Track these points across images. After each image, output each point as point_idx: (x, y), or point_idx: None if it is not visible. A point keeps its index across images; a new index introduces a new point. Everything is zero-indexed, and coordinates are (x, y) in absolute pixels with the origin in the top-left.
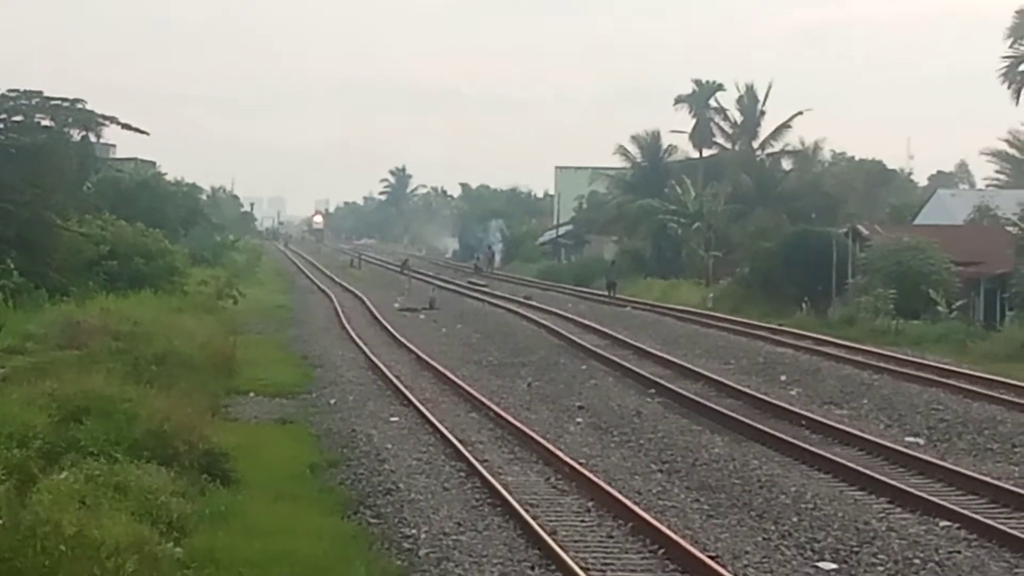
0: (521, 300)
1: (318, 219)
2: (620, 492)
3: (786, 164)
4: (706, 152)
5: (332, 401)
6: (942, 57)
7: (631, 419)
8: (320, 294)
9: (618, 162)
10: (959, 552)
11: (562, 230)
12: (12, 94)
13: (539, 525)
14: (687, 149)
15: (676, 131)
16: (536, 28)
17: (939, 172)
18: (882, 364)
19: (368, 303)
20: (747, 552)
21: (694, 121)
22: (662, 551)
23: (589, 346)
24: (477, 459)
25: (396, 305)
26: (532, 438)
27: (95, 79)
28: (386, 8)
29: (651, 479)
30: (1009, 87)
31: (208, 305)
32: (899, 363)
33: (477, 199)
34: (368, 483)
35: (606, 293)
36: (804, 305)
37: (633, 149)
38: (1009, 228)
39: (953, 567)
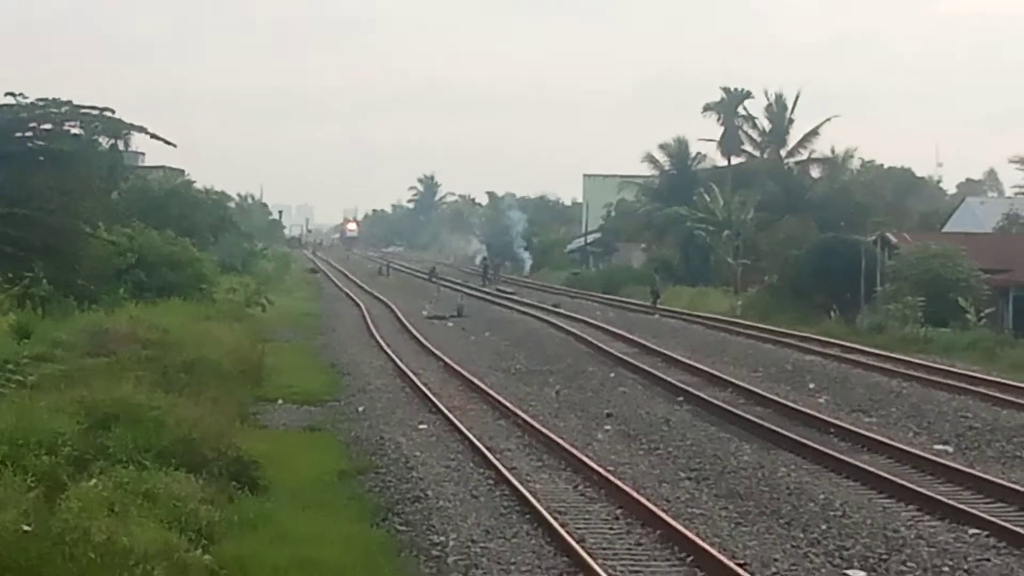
0: (549, 308)
1: (352, 226)
2: (648, 499)
3: (815, 172)
4: (734, 160)
5: (360, 408)
6: (971, 63)
7: (659, 426)
8: (348, 302)
9: (646, 170)
10: (988, 560)
11: (590, 238)
12: (41, 102)
13: (567, 532)
14: (715, 157)
15: (704, 139)
16: (564, 32)
17: (968, 180)
18: (911, 372)
19: (396, 311)
20: (776, 560)
21: (722, 129)
22: (691, 559)
23: (617, 354)
24: (505, 466)
25: (424, 313)
26: (560, 445)
27: (123, 85)
28: (413, 12)
29: (679, 486)
30: None
31: (237, 313)
32: (928, 371)
33: (506, 209)
34: (396, 490)
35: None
36: (832, 313)
37: (661, 157)
38: None
39: (982, 575)
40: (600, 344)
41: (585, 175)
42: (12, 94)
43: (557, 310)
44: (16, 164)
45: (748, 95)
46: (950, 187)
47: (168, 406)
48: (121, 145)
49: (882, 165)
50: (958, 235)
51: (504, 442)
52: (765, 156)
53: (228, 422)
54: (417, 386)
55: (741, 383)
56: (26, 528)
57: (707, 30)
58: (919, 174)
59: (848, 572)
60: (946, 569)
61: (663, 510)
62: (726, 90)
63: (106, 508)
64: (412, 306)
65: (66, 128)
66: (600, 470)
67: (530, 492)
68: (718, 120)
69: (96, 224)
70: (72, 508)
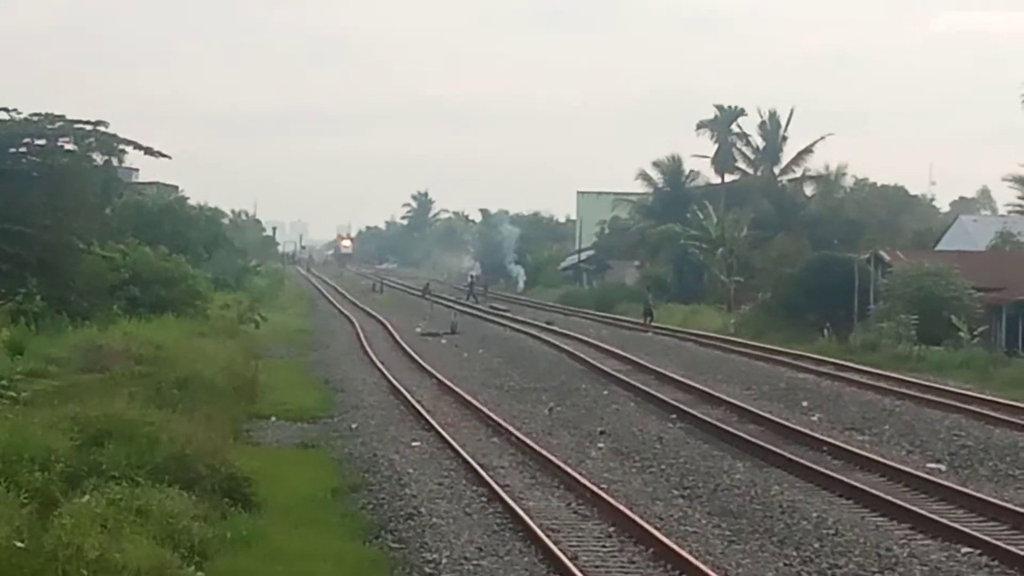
0: (543, 325)
1: (346, 243)
2: (641, 517)
3: (808, 190)
4: (728, 178)
5: (354, 425)
6: (965, 82)
7: (652, 444)
8: (342, 318)
9: (640, 187)
10: None
11: (584, 255)
12: (35, 118)
13: (561, 550)
14: (709, 174)
15: (698, 156)
16: (559, 47)
17: (961, 198)
18: (904, 390)
19: (390, 327)
20: None
21: (716, 147)
22: None
23: (611, 371)
24: (498, 484)
25: (418, 330)
26: (553, 463)
27: (117, 100)
28: (408, 28)
29: (672, 504)
30: None
31: (230, 329)
32: (921, 389)
33: (498, 224)
34: (389, 508)
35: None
36: (826, 331)
37: (655, 174)
38: None
39: None
40: (593, 362)
41: (579, 192)
42: (5, 109)
43: (550, 327)
44: (10, 180)
45: (742, 112)
46: (943, 205)
47: (161, 422)
48: (115, 161)
49: (876, 183)
50: (951, 253)
51: (497, 459)
52: (759, 174)
53: (221, 439)
54: (410, 403)
55: (734, 401)
56: (19, 544)
57: (701, 47)
58: (912, 192)
59: None
60: None
61: (656, 528)
62: (719, 107)
63: (99, 525)
64: (405, 323)
65: (60, 144)
66: (593, 488)
67: (523, 510)
68: (711, 137)
69: (90, 240)
70: (65, 525)
